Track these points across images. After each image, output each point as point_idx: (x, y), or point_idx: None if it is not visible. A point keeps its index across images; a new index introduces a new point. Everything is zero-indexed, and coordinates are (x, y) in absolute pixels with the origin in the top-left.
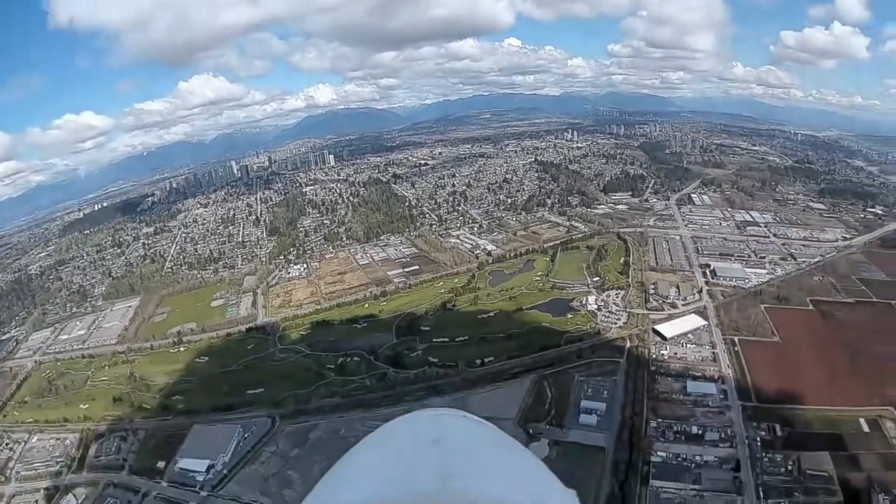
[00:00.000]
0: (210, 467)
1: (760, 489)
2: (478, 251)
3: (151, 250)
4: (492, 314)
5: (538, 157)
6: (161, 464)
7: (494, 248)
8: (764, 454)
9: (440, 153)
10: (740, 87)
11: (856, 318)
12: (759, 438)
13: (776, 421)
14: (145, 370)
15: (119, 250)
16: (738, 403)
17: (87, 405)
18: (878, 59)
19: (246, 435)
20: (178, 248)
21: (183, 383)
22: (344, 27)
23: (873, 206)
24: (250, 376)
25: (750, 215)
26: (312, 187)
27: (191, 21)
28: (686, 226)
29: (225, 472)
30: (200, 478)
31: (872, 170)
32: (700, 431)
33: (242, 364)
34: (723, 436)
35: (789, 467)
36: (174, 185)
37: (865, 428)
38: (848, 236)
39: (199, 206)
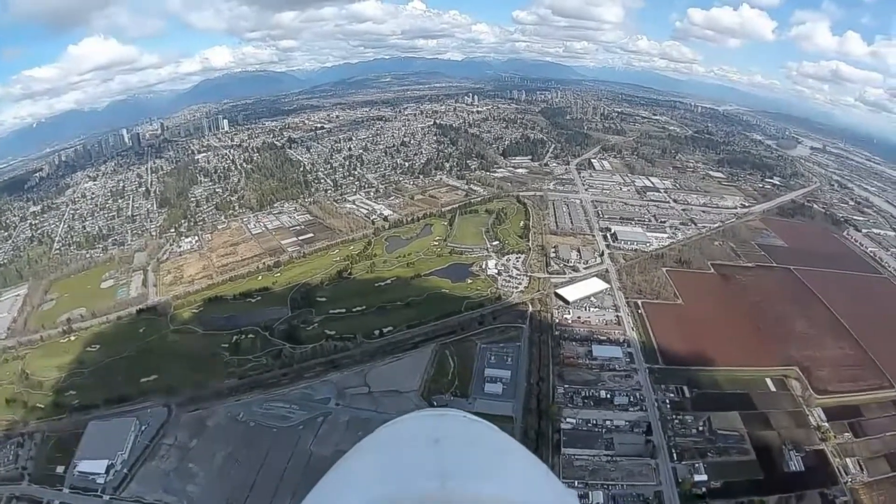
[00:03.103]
0: (109, 468)
1: (673, 451)
2: (374, 216)
3: (39, 231)
4: (389, 281)
5: (437, 121)
6: (60, 469)
7: (391, 213)
8: (674, 416)
9: (337, 116)
10: (643, 60)
11: (757, 282)
12: (668, 401)
13: (684, 382)
14: (37, 365)
15: (5, 233)
16: (645, 366)
17: None
18: (782, 42)
19: (143, 428)
20: (66, 226)
21: (75, 376)
22: None
23: (771, 177)
24: (143, 362)
25: (650, 181)
26: (205, 154)
27: None
28: (586, 190)
29: (125, 471)
30: (101, 480)
31: (770, 143)
32: (609, 396)
33: (135, 350)
34: (632, 399)
35: (700, 428)
36: (63, 159)
37: (772, 387)
38: (747, 204)
39: (88, 179)
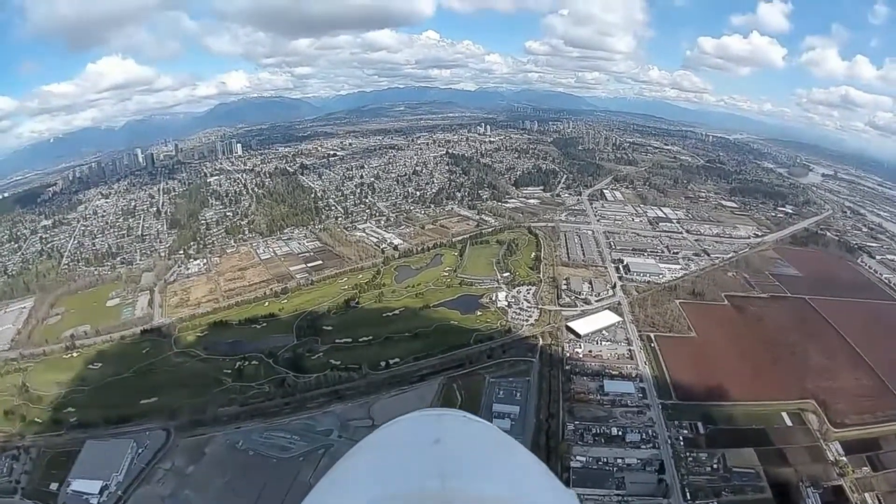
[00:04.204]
0: (104, 489)
1: (687, 490)
2: (384, 245)
3: (49, 245)
4: (397, 312)
5: (450, 150)
6: (54, 486)
7: (401, 241)
8: (688, 453)
9: (350, 144)
10: (654, 90)
11: (771, 313)
12: (681, 437)
13: (698, 418)
14: (38, 379)
15: (16, 245)
16: (658, 402)
17: None
18: (792, 69)
19: (140, 450)
20: (76, 242)
21: (76, 393)
22: (258, 9)
23: (783, 206)
24: (145, 384)
25: (662, 212)
26: (217, 177)
27: None
28: (598, 221)
29: (119, 493)
30: (94, 501)
31: (782, 171)
32: (620, 433)
33: (136, 370)
34: (644, 436)
35: (715, 465)
36: (77, 175)
37: (788, 422)
38: (760, 233)
39: (100, 196)
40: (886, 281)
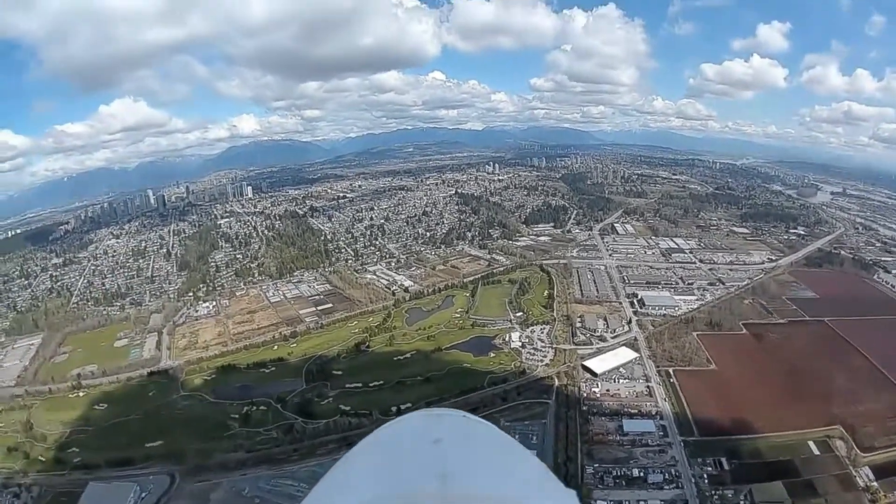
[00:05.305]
0: None
1: None
2: (394, 287)
3: (59, 283)
4: (409, 355)
5: (459, 190)
6: None
7: (412, 283)
8: (713, 491)
9: (360, 186)
10: (659, 120)
11: (791, 339)
12: (705, 475)
13: (722, 454)
14: (43, 417)
15: (26, 282)
16: (680, 439)
17: None
18: (794, 89)
19: (143, 495)
20: (85, 281)
21: (80, 433)
22: (268, 53)
23: (795, 227)
24: (150, 426)
25: (674, 242)
26: (227, 220)
27: (111, 36)
28: (610, 255)
29: None
30: None
31: (791, 193)
32: (642, 474)
33: (142, 412)
34: (667, 476)
35: (742, 502)
36: (90, 214)
37: (815, 450)
38: (774, 258)
39: (111, 236)
40: None
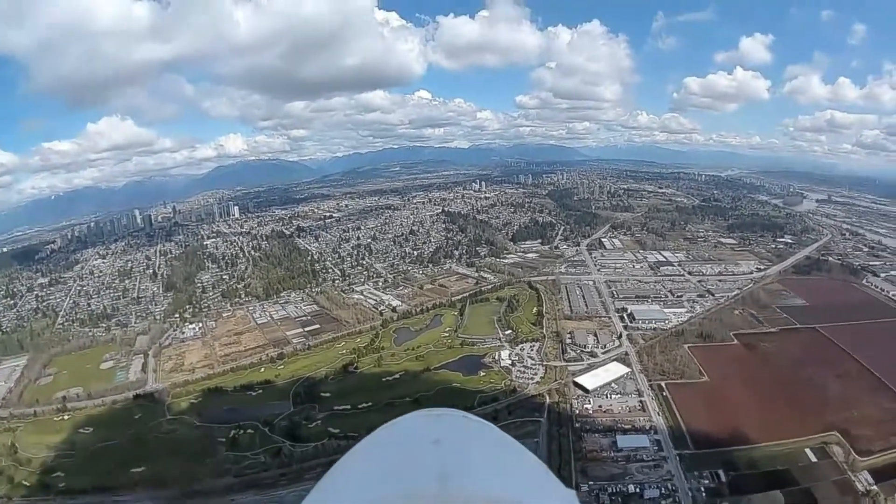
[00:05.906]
0: None
1: None
2: (382, 307)
3: (44, 303)
4: (397, 376)
5: (446, 208)
6: None
7: (400, 303)
8: None
9: (346, 205)
10: (644, 135)
11: (783, 347)
12: (702, 488)
13: (718, 466)
14: (27, 440)
15: (11, 301)
16: (675, 453)
17: None
18: (777, 100)
19: None
20: (71, 301)
21: (65, 458)
22: (255, 72)
23: (783, 236)
24: (135, 451)
25: (662, 255)
26: (214, 240)
27: (99, 53)
28: (599, 270)
29: None
30: None
31: (777, 202)
32: (638, 490)
33: (127, 437)
34: (664, 491)
35: None
36: (76, 233)
37: (812, 457)
38: (762, 267)
39: (97, 256)
40: (894, 298)
